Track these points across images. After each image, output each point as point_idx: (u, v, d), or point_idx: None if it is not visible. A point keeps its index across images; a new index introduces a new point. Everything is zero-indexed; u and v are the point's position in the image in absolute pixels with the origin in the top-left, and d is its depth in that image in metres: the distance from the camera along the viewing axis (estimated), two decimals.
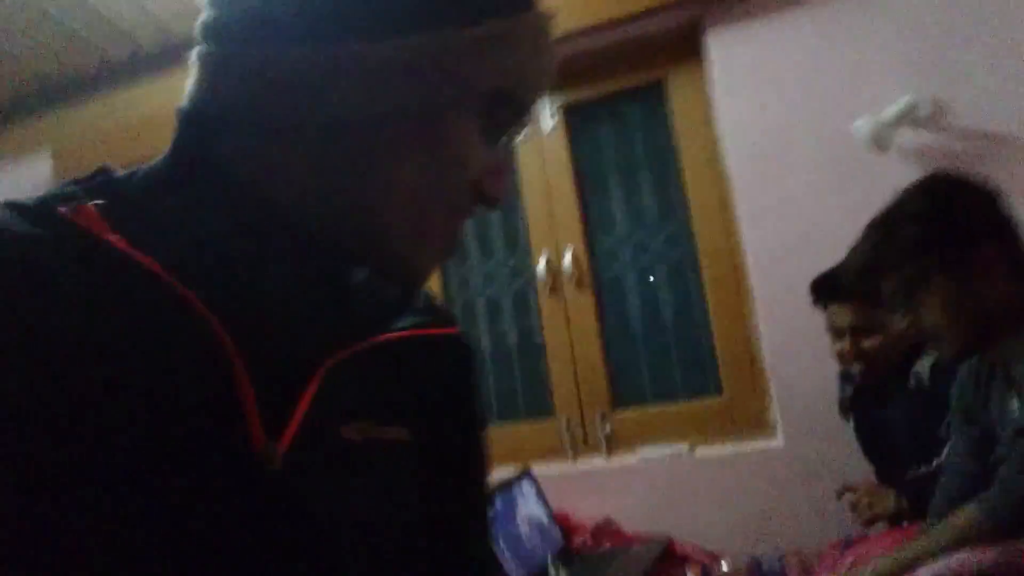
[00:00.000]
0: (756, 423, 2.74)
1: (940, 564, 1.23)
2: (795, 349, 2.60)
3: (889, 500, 2.04)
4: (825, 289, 2.19)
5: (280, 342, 0.58)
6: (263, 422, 0.55)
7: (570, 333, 2.95)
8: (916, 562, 1.28)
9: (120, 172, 0.62)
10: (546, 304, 2.99)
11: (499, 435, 2.99)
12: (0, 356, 0.48)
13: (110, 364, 0.50)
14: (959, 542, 1.26)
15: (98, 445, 0.49)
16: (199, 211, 0.58)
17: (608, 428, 2.85)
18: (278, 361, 0.57)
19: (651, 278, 2.95)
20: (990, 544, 1.22)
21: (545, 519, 2.49)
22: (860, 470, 2.42)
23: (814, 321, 2.57)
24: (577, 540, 2.57)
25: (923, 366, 2.07)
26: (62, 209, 0.54)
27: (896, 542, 1.80)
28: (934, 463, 1.95)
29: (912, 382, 2.09)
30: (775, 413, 2.69)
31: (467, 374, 0.75)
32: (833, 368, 2.49)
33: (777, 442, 2.65)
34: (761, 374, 2.74)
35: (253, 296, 0.58)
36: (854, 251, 1.60)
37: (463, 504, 0.73)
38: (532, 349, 3.05)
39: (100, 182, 0.60)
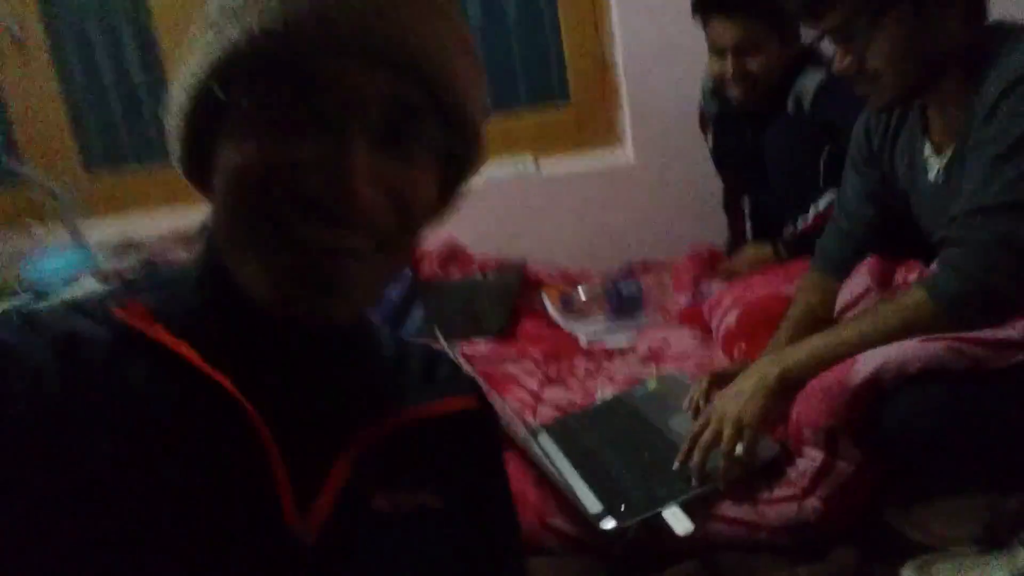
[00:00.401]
0: (605, 134, 2.60)
1: (886, 352, 1.19)
2: (652, 56, 2.41)
3: (766, 251, 2.03)
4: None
5: (309, 422, 0.62)
6: (296, 499, 0.58)
7: None
8: (857, 347, 1.25)
9: (164, 268, 0.63)
10: None
11: None
12: (70, 441, 0.54)
13: (155, 447, 0.56)
14: (905, 328, 1.22)
15: (140, 522, 0.53)
16: (230, 305, 0.60)
17: None
18: (308, 440, 0.61)
19: None
20: (939, 333, 1.20)
21: None
22: (712, 188, 2.40)
23: (675, 26, 2.37)
24: (425, 270, 2.41)
25: (805, 88, 1.96)
26: (116, 309, 0.60)
27: (779, 280, 1.81)
28: (811, 213, 1.93)
29: (791, 106, 1.98)
30: (625, 124, 2.55)
31: (490, 443, 0.77)
32: (688, 79, 2.35)
33: (627, 155, 2.55)
34: (612, 82, 2.55)
35: (281, 380, 0.62)
36: None
37: (496, 569, 0.73)
38: None
39: (148, 278, 0.69)
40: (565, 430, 1.57)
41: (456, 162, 0.62)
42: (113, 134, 2.76)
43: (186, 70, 0.57)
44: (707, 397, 1.45)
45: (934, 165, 1.47)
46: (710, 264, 2.27)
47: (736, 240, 2.37)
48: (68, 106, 2.68)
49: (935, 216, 1.47)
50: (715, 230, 2.45)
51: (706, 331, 1.94)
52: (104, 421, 0.55)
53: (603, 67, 2.54)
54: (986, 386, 1.18)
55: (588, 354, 1.91)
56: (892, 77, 1.32)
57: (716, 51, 1.98)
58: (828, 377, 1.25)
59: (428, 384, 0.72)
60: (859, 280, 1.57)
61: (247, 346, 0.61)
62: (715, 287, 2.01)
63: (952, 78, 1.35)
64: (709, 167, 2.36)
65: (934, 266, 1.31)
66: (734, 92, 2.00)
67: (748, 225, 2.33)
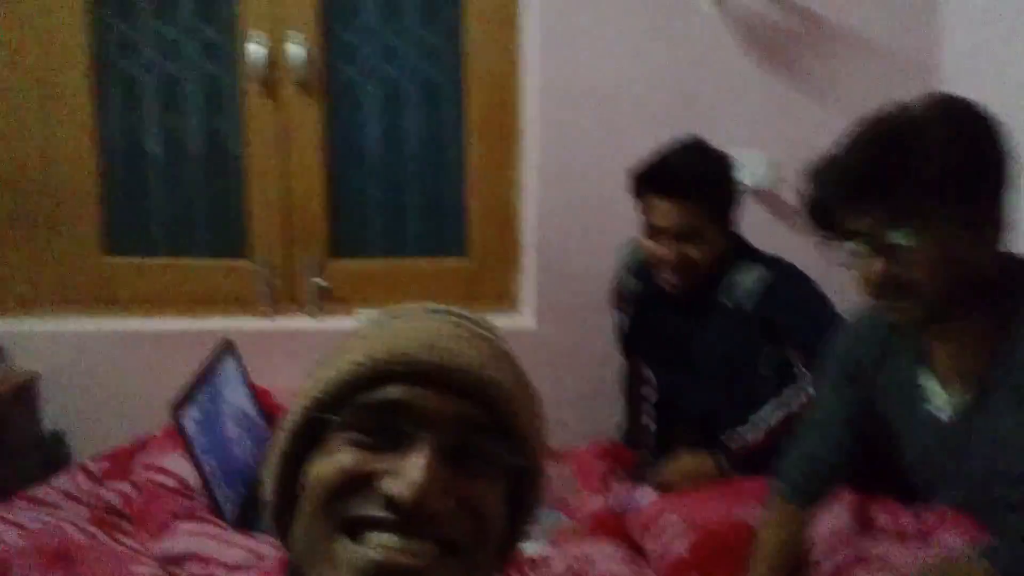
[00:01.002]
0: (501, 296, 2.35)
1: None
2: (561, 219, 2.22)
3: (706, 464, 1.80)
4: (659, 179, 1.80)
5: None
6: None
7: (285, 150, 2.22)
8: None
9: None
10: (253, 105, 2.20)
11: (170, 274, 2.23)
12: None
13: None
14: None
15: None
16: None
17: (322, 280, 2.24)
18: None
19: (398, 94, 2.29)
20: None
21: (251, 408, 1.88)
22: (615, 362, 2.19)
23: (590, 190, 2.21)
24: (276, 416, 1.99)
25: (745, 285, 1.81)
26: None
27: (730, 501, 1.57)
28: (762, 427, 1.74)
29: (725, 299, 1.83)
30: (525, 288, 2.32)
31: None
32: (602, 248, 2.17)
33: (526, 320, 2.30)
34: (515, 240, 2.32)
35: None
36: (838, 155, 1.21)
37: None
38: (223, 162, 2.26)
39: None
40: None
41: (521, 482, 0.69)
42: None
43: (299, 399, 0.69)
44: None
45: (941, 402, 1.31)
46: (616, 461, 2.02)
47: (634, 430, 2.15)
48: None
49: (946, 456, 1.30)
50: (612, 418, 2.23)
51: (630, 546, 1.66)
52: None
53: (507, 222, 2.30)
54: None
55: None
56: (931, 290, 1.17)
57: (655, 233, 1.82)
58: None
59: None
60: (836, 517, 1.36)
61: None
62: (640, 496, 1.74)
63: (978, 309, 1.21)
64: (613, 346, 2.15)
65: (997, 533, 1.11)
66: (670, 278, 1.83)
67: (650, 415, 2.12)
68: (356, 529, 0.62)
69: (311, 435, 0.66)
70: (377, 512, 0.61)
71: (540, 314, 2.26)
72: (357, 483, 0.62)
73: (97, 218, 2.20)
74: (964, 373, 1.26)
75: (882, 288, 1.18)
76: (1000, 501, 1.11)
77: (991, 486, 1.15)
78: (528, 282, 2.30)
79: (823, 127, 1.33)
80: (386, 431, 0.64)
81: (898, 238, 1.15)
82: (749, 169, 2.23)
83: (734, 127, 2.23)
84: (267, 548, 1.46)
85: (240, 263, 2.25)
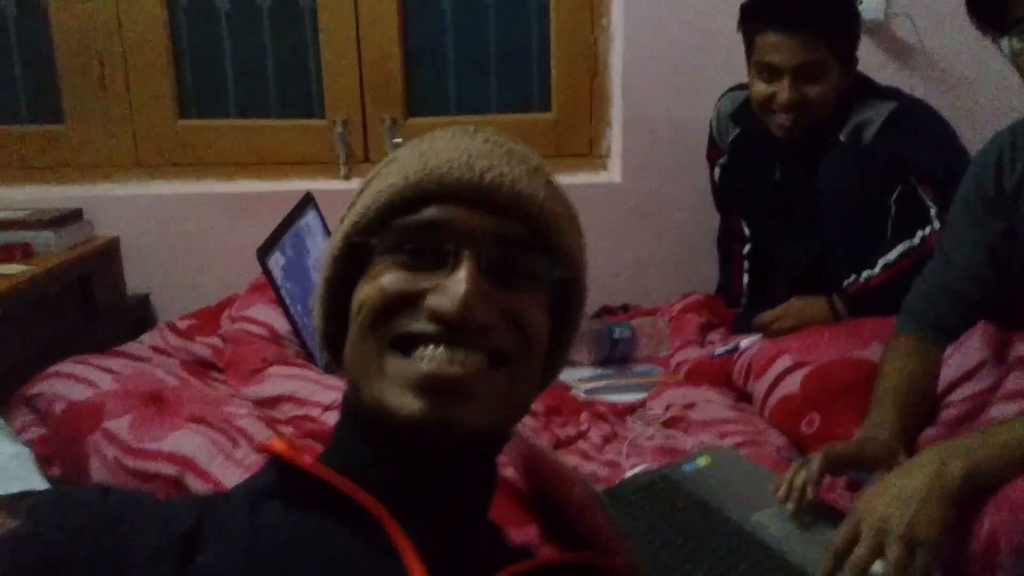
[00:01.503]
0: (587, 151, 2.22)
1: None
2: (649, 70, 2.08)
3: (818, 306, 1.67)
4: (779, 10, 1.63)
5: (458, 557, 0.64)
6: None
7: (356, 3, 2.10)
8: None
9: None
10: None
11: (245, 135, 2.16)
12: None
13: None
14: None
15: None
16: (370, 442, 0.66)
17: (399, 139, 2.15)
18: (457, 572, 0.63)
19: None
20: None
21: None
22: (703, 225, 2.08)
23: (683, 42, 2.06)
24: None
25: (867, 117, 1.66)
26: (270, 443, 0.66)
27: (848, 341, 1.46)
28: (880, 265, 1.60)
29: (845, 138, 1.68)
30: (612, 142, 2.19)
31: None
32: (692, 102, 2.03)
33: (612, 175, 2.18)
34: (601, 93, 2.18)
35: (428, 513, 0.65)
36: None
37: None
38: (295, 18, 2.15)
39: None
40: None
41: (563, 298, 0.71)
42: None
43: (340, 226, 0.71)
44: (818, 483, 1.06)
45: None
46: (713, 315, 1.93)
47: (729, 286, 2.05)
48: None
49: None
50: (702, 273, 2.13)
51: (733, 393, 1.58)
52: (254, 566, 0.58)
53: (593, 75, 2.16)
54: None
55: (596, 413, 1.49)
56: None
57: (769, 71, 1.66)
58: None
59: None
60: (972, 351, 1.25)
61: (391, 475, 0.65)
62: (745, 342, 1.64)
63: None
64: (701, 200, 2.04)
65: None
66: (783, 120, 1.68)
67: (744, 272, 2.01)
68: (405, 345, 0.63)
69: (355, 260, 0.67)
70: (425, 327, 0.62)
71: (627, 168, 2.14)
72: (402, 302, 0.64)
73: (170, 80, 2.12)
74: None
75: None
76: None
77: None
78: (615, 136, 2.17)
79: None
80: (427, 251, 0.64)
81: None
82: (862, 2, 2.04)
83: None
84: None
85: (315, 122, 2.17)
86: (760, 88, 1.68)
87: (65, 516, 0.58)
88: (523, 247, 0.67)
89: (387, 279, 0.64)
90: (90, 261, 1.95)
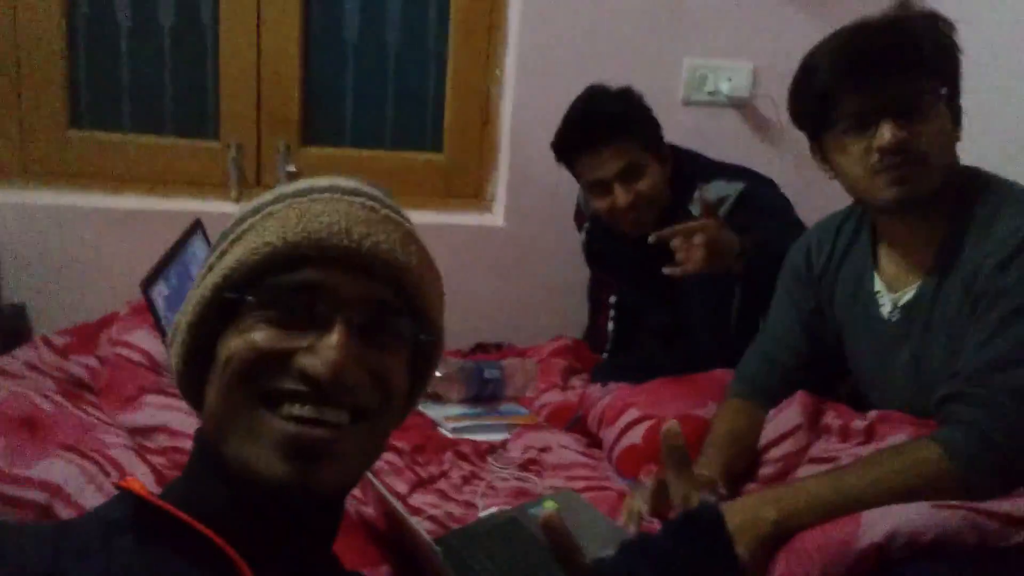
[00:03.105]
0: (473, 194, 2.34)
1: (896, 515, 1.02)
2: (538, 119, 2.19)
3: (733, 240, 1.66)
4: (582, 135, 1.81)
5: None
6: None
7: (258, 26, 2.15)
8: (861, 501, 1.06)
9: None
10: None
11: (137, 151, 2.18)
12: None
13: None
14: (915, 486, 1.06)
15: None
16: (223, 492, 0.67)
17: (292, 167, 2.21)
18: None
19: None
20: (950, 495, 1.04)
21: None
22: (579, 275, 2.22)
23: (569, 92, 2.18)
24: None
25: (718, 191, 1.82)
26: (120, 482, 0.68)
27: (690, 398, 1.62)
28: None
29: (695, 211, 1.83)
30: (498, 188, 2.31)
31: None
32: None
33: (496, 218, 2.30)
34: (490, 138, 2.30)
35: (268, 554, 0.66)
36: (839, 42, 1.26)
37: None
38: (195, 37, 2.18)
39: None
40: (450, 552, 1.24)
41: (422, 355, 0.76)
42: None
43: (209, 274, 0.70)
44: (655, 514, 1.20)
45: (886, 301, 1.36)
46: (577, 359, 2.07)
47: (596, 332, 2.20)
48: None
49: (883, 356, 1.37)
50: (573, 318, 2.27)
51: (587, 439, 1.71)
52: None
53: (484, 121, 2.28)
54: (994, 566, 1.03)
55: (458, 452, 1.60)
56: (937, 164, 1.22)
57: (599, 186, 1.84)
58: (826, 533, 1.06)
59: None
60: (789, 416, 1.42)
61: (239, 521, 0.66)
62: (597, 391, 1.78)
63: (937, 204, 1.25)
64: (577, 250, 2.18)
65: (944, 424, 1.16)
66: (630, 219, 1.84)
67: (612, 319, 2.16)
68: (273, 401, 0.65)
69: (222, 309, 0.68)
70: (294, 386, 0.65)
71: (510, 213, 2.27)
72: (272, 360, 0.66)
73: (61, 90, 2.12)
74: (911, 271, 1.32)
75: (896, 154, 1.20)
76: (945, 396, 1.16)
77: (935, 383, 1.21)
78: (501, 182, 2.29)
79: (805, 39, 1.33)
80: (299, 310, 0.67)
81: (921, 108, 1.19)
82: (731, 79, 2.22)
83: (716, 36, 2.21)
84: None
85: (209, 144, 2.21)
86: (599, 204, 1.85)
87: None
88: (392, 311, 0.70)
89: (259, 336, 0.66)
90: None
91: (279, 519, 0.68)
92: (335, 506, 0.74)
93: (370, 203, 0.72)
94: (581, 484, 1.51)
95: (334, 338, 0.65)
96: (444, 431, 1.72)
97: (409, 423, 1.70)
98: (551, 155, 2.19)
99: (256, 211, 0.72)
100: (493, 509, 1.42)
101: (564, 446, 1.66)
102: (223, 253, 0.71)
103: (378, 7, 2.23)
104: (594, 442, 1.70)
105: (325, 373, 0.64)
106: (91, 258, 2.07)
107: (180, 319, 0.72)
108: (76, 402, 1.51)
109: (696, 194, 1.81)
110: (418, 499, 1.42)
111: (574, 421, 1.77)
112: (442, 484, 1.49)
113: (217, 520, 0.64)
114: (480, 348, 2.19)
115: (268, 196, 0.73)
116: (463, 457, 1.59)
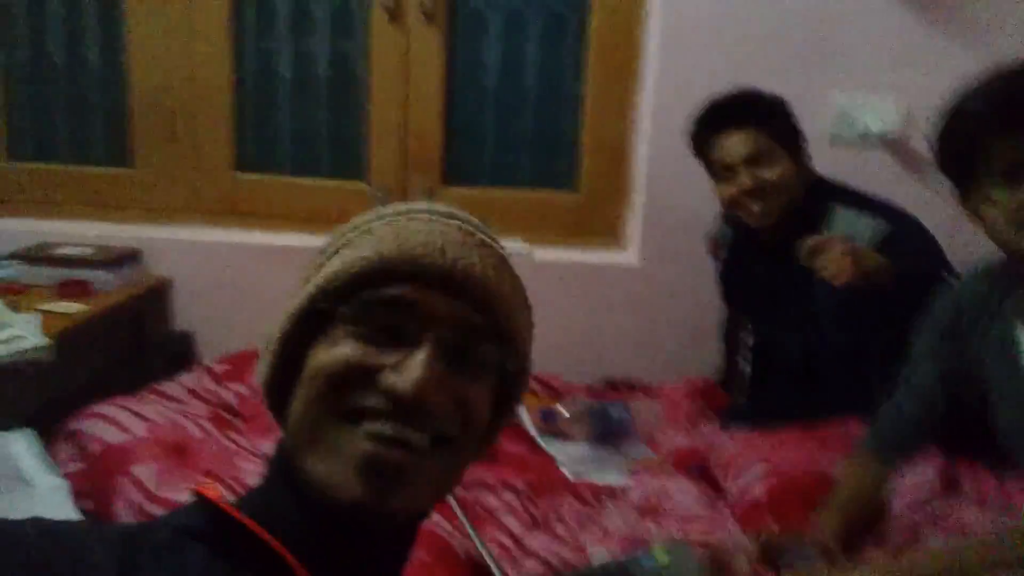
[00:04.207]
0: (608, 232, 2.36)
1: None
2: (673, 159, 2.18)
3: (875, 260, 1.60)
4: (716, 115, 1.81)
5: None
6: None
7: (406, 77, 2.27)
8: None
9: None
10: (379, 31, 2.25)
11: (293, 191, 2.34)
12: None
13: None
14: None
15: None
16: (299, 506, 0.66)
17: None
18: None
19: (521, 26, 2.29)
20: None
21: None
22: (714, 312, 2.17)
23: None
24: None
25: (857, 232, 1.75)
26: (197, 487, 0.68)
27: (814, 452, 1.56)
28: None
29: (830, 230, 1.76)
30: (632, 225, 2.32)
31: None
32: (708, 190, 2.13)
33: (631, 257, 2.31)
34: (625, 177, 2.31)
35: (337, 571, 0.66)
36: (986, 88, 1.18)
37: None
38: (348, 86, 2.33)
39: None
40: None
41: (507, 384, 0.73)
42: (45, 126, 2.40)
43: (305, 286, 0.71)
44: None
45: None
46: (708, 402, 2.03)
47: (730, 374, 2.14)
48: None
49: None
50: (704, 358, 2.23)
51: (709, 484, 1.68)
52: None
53: (618, 158, 2.30)
54: None
55: (576, 493, 1.61)
56: None
57: (726, 170, 1.81)
58: None
59: None
60: (921, 476, 1.34)
61: (311, 536, 0.66)
62: (725, 438, 1.74)
63: None
64: (712, 289, 2.14)
65: None
66: (753, 207, 1.79)
67: (747, 360, 2.10)
68: (355, 417, 0.65)
69: (313, 322, 0.68)
70: (377, 403, 0.64)
71: (645, 252, 2.26)
72: (358, 375, 0.65)
73: (229, 136, 2.33)
74: None
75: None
76: None
77: None
78: (635, 220, 2.30)
79: (959, 74, 1.25)
80: (389, 327, 0.66)
81: None
82: (879, 115, 2.13)
83: (864, 70, 2.14)
84: None
85: (358, 184, 2.34)
86: (724, 189, 1.82)
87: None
88: (481, 336, 0.68)
89: (348, 349, 0.65)
90: (143, 300, 2.15)
91: (351, 539, 0.67)
92: (408, 530, 0.74)
93: (466, 227, 0.72)
94: (698, 535, 1.49)
95: (421, 356, 0.64)
96: (565, 471, 1.74)
97: (529, 462, 1.76)
98: (687, 194, 2.20)
99: (355, 228, 0.73)
100: (605, 555, 1.42)
101: (685, 493, 1.63)
102: (319, 267, 0.72)
103: (517, 54, 2.30)
104: (718, 490, 1.67)
105: (409, 391, 0.63)
106: (250, 290, 2.24)
107: (273, 330, 0.72)
108: (224, 429, 1.65)
109: (833, 227, 1.75)
110: (531, 540, 1.44)
111: (698, 468, 1.74)
112: (557, 526, 1.51)
113: (289, 535, 0.64)
114: (610, 385, 2.19)
115: (368, 215, 0.74)
116: (581, 499, 1.60)
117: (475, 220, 0.75)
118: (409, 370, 0.64)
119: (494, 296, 0.69)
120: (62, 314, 1.84)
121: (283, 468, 0.69)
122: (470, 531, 1.24)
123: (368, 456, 0.63)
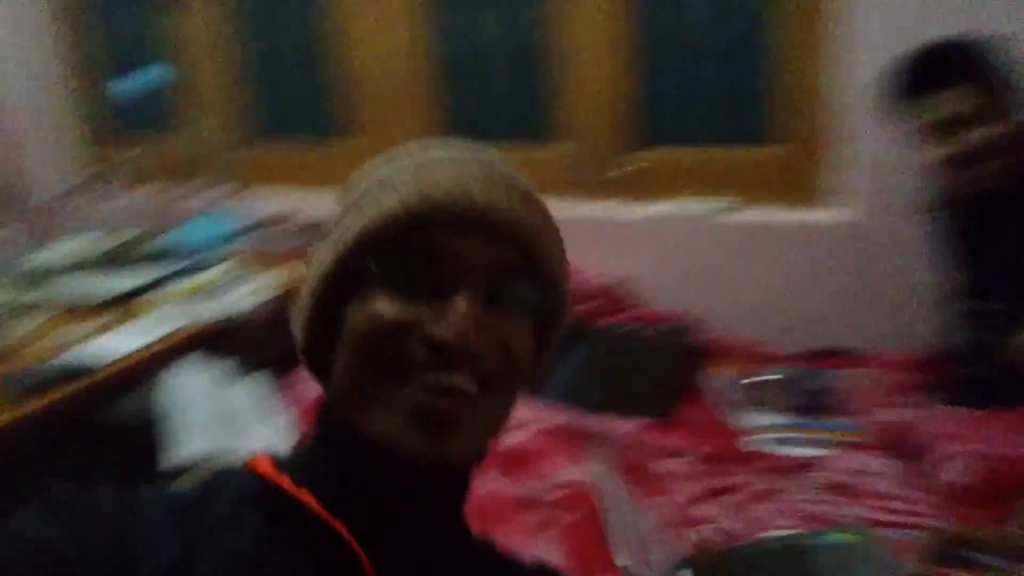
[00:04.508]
0: (813, 189, 2.19)
1: None
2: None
3: None
4: (927, 71, 1.62)
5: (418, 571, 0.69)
6: None
7: (588, 39, 2.24)
8: None
9: None
10: None
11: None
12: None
13: None
14: None
15: None
16: (349, 459, 0.67)
17: (629, 168, 2.26)
18: None
19: None
20: None
21: None
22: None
23: None
24: (581, 305, 2.10)
25: None
26: (247, 461, 0.70)
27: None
28: None
29: None
30: (840, 181, 2.13)
31: None
32: None
33: (841, 214, 2.13)
34: (831, 129, 2.12)
35: (396, 530, 0.68)
36: None
37: None
38: (525, 53, 2.34)
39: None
40: (703, 571, 1.22)
41: (547, 319, 0.72)
42: (280, 105, 2.67)
43: (329, 244, 0.70)
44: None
45: None
46: (926, 375, 1.84)
47: (954, 346, 1.92)
48: (239, 69, 2.64)
49: None
50: (921, 329, 2.00)
51: (912, 465, 1.53)
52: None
53: (819, 107, 2.12)
54: None
55: (758, 465, 1.54)
56: None
57: (941, 133, 1.62)
58: None
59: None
60: None
61: (365, 496, 0.67)
62: (938, 415, 1.58)
63: None
64: (936, 252, 1.92)
65: None
66: (964, 172, 1.62)
67: (978, 331, 1.88)
68: (402, 371, 0.64)
69: (345, 280, 0.67)
70: (422, 355, 0.63)
71: (854, 209, 2.08)
72: (398, 331, 0.64)
73: (442, 102, 2.45)
74: None
75: None
76: None
77: None
78: (844, 175, 2.11)
79: None
80: (422, 277, 0.65)
81: None
82: None
83: None
84: None
85: (553, 148, 2.36)
86: (935, 151, 1.63)
87: (77, 522, 0.61)
88: (516, 275, 0.68)
89: (384, 306, 0.65)
90: None
91: (404, 493, 0.67)
92: (463, 480, 0.73)
93: (484, 162, 0.70)
94: (890, 517, 1.37)
95: (460, 304, 0.63)
96: (757, 440, 1.66)
97: (709, 429, 1.70)
98: (903, 143, 1.99)
99: (372, 178, 0.70)
100: (781, 532, 1.35)
101: (883, 472, 1.50)
102: (339, 221, 0.70)
103: (710, 8, 2.20)
104: (922, 471, 1.52)
105: (453, 340, 0.62)
106: None
107: (303, 288, 0.71)
108: None
109: None
110: (699, 509, 1.40)
111: (905, 446, 1.59)
112: (730, 497, 1.45)
113: (339, 497, 0.65)
114: (816, 353, 2.05)
115: (383, 164, 0.72)
116: (762, 472, 1.52)
117: (493, 154, 0.72)
118: (449, 318, 0.63)
119: (525, 232, 0.67)
120: (300, 276, 2.04)
121: (331, 425, 0.69)
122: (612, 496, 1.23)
123: (421, 407, 0.63)
